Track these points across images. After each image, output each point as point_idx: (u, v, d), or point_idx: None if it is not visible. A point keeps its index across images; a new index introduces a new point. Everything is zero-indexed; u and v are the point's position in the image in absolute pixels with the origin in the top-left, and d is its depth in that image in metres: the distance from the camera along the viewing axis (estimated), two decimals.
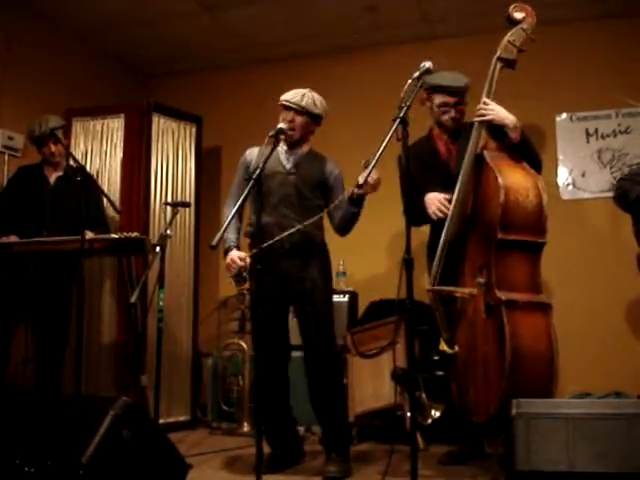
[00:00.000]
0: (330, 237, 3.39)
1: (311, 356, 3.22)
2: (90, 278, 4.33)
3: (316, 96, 3.28)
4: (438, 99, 3.30)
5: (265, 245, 2.96)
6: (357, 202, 3.12)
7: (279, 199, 3.24)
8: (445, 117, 3.31)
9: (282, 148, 3.31)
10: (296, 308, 3.29)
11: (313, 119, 3.30)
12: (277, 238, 3.09)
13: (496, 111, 3.04)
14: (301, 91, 3.26)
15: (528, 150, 3.10)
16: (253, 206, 3.13)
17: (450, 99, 3.28)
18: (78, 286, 3.66)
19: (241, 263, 3.12)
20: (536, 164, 3.10)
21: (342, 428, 3.26)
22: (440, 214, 3.14)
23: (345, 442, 3.25)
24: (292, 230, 3.11)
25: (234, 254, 3.17)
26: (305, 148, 3.35)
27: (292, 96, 3.25)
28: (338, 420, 3.25)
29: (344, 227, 3.28)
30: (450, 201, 3.08)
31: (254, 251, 2.98)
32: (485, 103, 3.05)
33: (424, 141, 3.43)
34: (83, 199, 3.45)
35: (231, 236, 3.24)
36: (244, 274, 3.16)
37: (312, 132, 3.37)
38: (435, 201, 3.17)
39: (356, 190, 2.99)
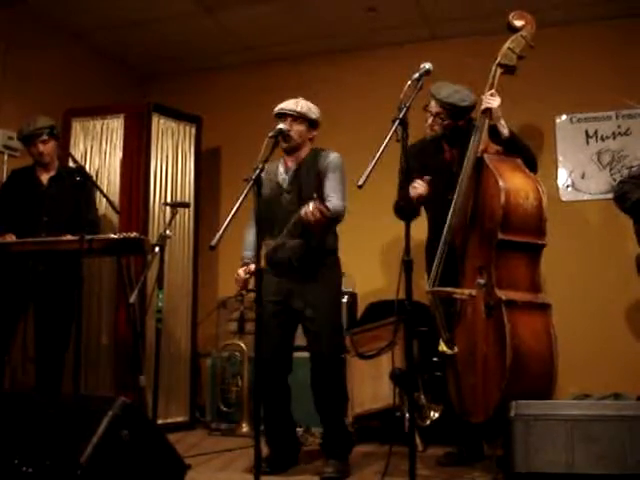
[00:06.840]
0: None
1: (316, 368, 3.21)
2: (89, 278, 4.31)
3: (309, 103, 3.29)
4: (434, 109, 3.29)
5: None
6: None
7: (281, 220, 3.24)
8: (435, 127, 3.31)
9: (280, 165, 3.31)
10: (301, 322, 3.28)
11: (310, 125, 3.28)
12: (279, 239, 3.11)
13: (497, 106, 3.08)
14: (293, 99, 3.27)
15: (518, 146, 3.13)
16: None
17: (439, 109, 3.26)
18: (77, 286, 3.64)
19: (243, 277, 3.29)
20: (530, 162, 3.13)
21: (342, 433, 3.25)
22: (415, 194, 3.12)
23: (345, 446, 3.24)
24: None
25: (240, 270, 3.31)
26: (303, 153, 3.30)
27: (286, 104, 3.25)
28: (338, 426, 3.24)
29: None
30: (425, 182, 3.12)
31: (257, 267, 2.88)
32: (492, 95, 3.09)
33: (430, 141, 3.40)
34: (81, 199, 3.45)
35: (247, 253, 3.34)
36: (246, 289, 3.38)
37: (311, 140, 3.33)
38: (412, 186, 3.14)
39: (298, 217, 3.04)
